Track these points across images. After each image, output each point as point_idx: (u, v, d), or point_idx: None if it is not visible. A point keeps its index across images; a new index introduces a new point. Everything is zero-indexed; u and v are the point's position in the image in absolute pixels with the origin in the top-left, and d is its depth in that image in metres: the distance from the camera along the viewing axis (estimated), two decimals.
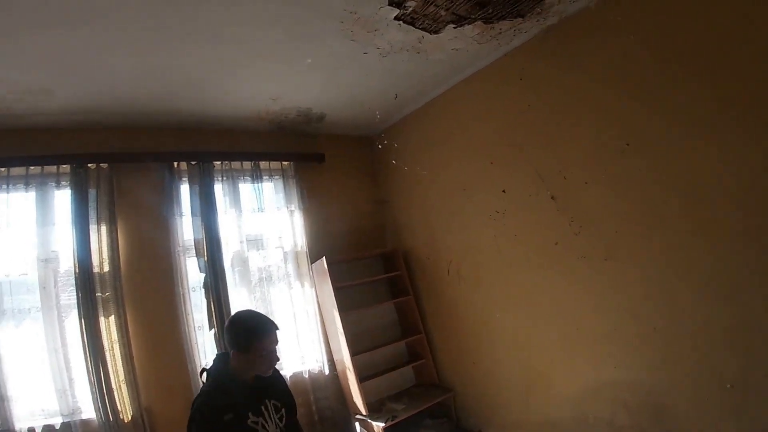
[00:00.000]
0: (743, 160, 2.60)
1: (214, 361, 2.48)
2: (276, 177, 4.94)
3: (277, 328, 2.39)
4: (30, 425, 3.61)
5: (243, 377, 2.35)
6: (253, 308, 4.24)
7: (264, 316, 2.47)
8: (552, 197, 3.63)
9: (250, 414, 2.28)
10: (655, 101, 2.93)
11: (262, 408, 2.34)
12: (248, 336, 2.31)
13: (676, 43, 2.83)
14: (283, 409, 2.45)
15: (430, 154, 4.77)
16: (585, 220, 3.45)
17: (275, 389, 2.49)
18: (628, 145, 3.08)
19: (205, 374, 2.43)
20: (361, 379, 4.58)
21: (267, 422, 2.32)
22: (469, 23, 3.33)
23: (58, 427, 3.67)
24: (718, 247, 2.73)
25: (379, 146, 5.34)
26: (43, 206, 3.87)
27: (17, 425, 3.56)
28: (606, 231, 3.31)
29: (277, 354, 2.38)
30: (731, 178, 2.65)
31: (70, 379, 3.79)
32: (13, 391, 3.59)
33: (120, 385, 3.83)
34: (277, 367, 2.56)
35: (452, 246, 4.68)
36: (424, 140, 4.83)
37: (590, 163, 3.35)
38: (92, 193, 3.97)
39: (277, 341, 2.37)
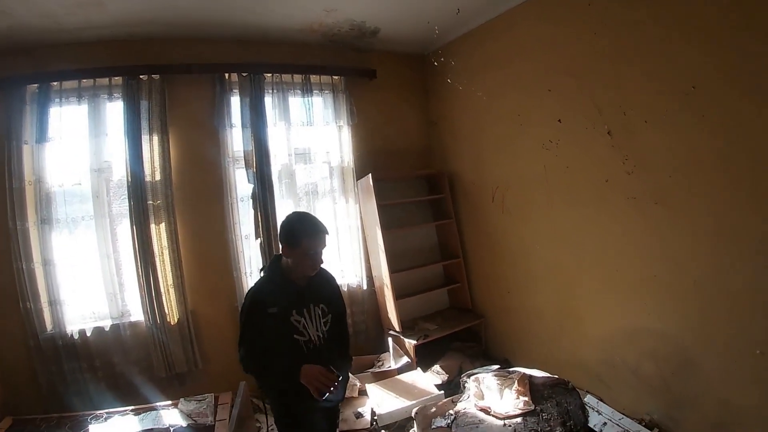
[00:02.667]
0: None
1: (271, 260, 2.58)
2: (326, 91, 4.89)
3: (326, 232, 2.41)
4: (81, 327, 3.94)
5: (293, 276, 2.42)
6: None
7: (317, 219, 2.48)
8: (608, 132, 3.46)
9: (294, 312, 2.36)
10: (727, 51, 2.68)
11: (305, 310, 2.40)
12: (298, 233, 2.35)
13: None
14: (329, 315, 2.50)
15: (487, 76, 4.56)
16: (639, 160, 3.29)
17: (326, 295, 2.53)
18: (694, 88, 2.85)
19: (262, 271, 2.57)
20: (398, 296, 4.72)
21: (308, 324, 2.39)
22: None
23: (107, 329, 4.01)
24: None
25: (435, 63, 5.14)
26: (96, 118, 3.99)
27: (69, 328, 3.90)
28: (659, 174, 3.15)
29: (322, 257, 2.40)
30: None
31: (120, 284, 4.10)
32: (65, 296, 3.91)
33: (168, 289, 4.11)
34: (329, 274, 2.67)
35: (499, 173, 4.59)
36: (481, 61, 4.61)
37: (652, 101, 3.13)
38: (144, 104, 4.05)
39: (324, 245, 2.39)
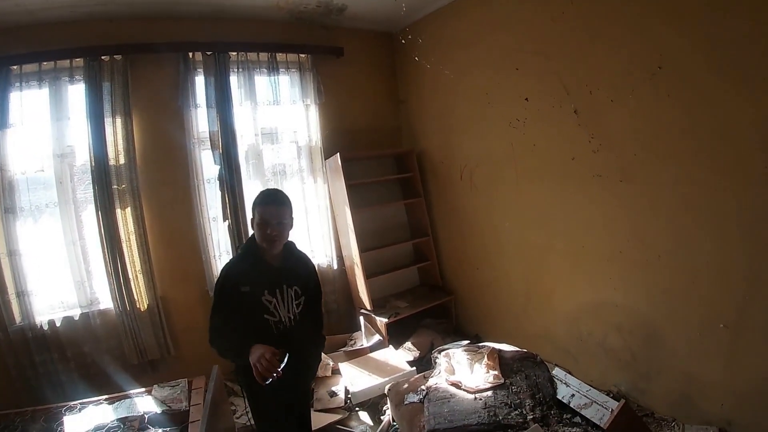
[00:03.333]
0: None
1: (247, 239, 2.55)
2: (293, 70, 4.80)
3: (279, 204, 2.38)
4: (50, 318, 3.86)
5: (266, 256, 2.41)
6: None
7: (275, 192, 2.48)
8: (575, 111, 3.50)
9: (265, 291, 2.36)
10: (695, 31, 2.73)
11: (278, 290, 2.39)
12: (254, 204, 2.39)
13: None
14: (303, 298, 2.48)
15: (455, 55, 4.55)
16: (605, 139, 3.35)
17: (301, 277, 2.51)
18: (660, 68, 2.90)
19: (239, 249, 2.57)
20: (368, 275, 4.75)
21: (279, 305, 2.39)
22: None
23: (77, 318, 3.94)
24: (736, 189, 2.67)
25: (402, 41, 5.09)
26: (57, 101, 3.84)
27: (38, 319, 3.81)
28: (625, 153, 3.23)
29: (275, 230, 2.32)
30: (761, 123, 2.52)
31: (88, 272, 4.01)
32: (32, 286, 3.80)
33: (136, 275, 4.04)
34: (305, 256, 2.66)
35: (468, 151, 4.62)
36: (449, 40, 4.59)
37: (619, 81, 3.18)
38: (106, 86, 3.91)
39: (276, 215, 2.33)
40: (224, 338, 2.30)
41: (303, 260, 2.62)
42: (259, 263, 2.40)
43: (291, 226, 2.44)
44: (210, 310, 2.38)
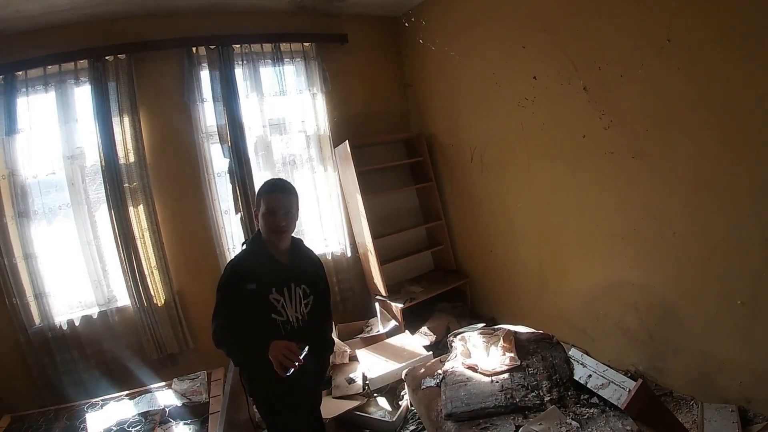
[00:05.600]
0: None
1: (253, 234, 2.45)
2: (297, 59, 4.78)
3: (284, 191, 2.29)
4: (69, 317, 3.93)
5: (274, 251, 2.33)
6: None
7: (280, 180, 2.39)
8: (584, 88, 3.43)
9: (273, 290, 2.25)
10: (704, 4, 2.65)
11: (285, 289, 2.29)
12: (258, 193, 2.32)
13: None
14: (311, 297, 2.39)
15: (460, 36, 4.49)
16: (616, 115, 3.28)
17: (309, 276, 2.42)
18: (669, 41, 2.83)
19: (244, 245, 2.45)
20: (382, 261, 4.76)
21: (287, 304, 2.29)
22: None
23: (95, 316, 4.01)
24: (749, 164, 2.60)
25: (406, 24, 5.05)
26: (64, 104, 3.88)
27: (57, 319, 3.88)
28: (636, 128, 3.16)
29: (283, 219, 2.25)
30: None
31: (104, 270, 4.08)
32: (50, 288, 3.87)
33: (152, 271, 4.10)
34: (315, 255, 2.58)
35: (477, 133, 4.57)
36: (453, 21, 4.53)
37: (627, 56, 3.10)
38: (112, 85, 3.95)
39: (282, 203, 2.25)
40: (233, 338, 2.17)
41: (311, 257, 2.53)
42: (266, 259, 2.30)
43: (297, 217, 2.36)
44: (214, 308, 2.23)
